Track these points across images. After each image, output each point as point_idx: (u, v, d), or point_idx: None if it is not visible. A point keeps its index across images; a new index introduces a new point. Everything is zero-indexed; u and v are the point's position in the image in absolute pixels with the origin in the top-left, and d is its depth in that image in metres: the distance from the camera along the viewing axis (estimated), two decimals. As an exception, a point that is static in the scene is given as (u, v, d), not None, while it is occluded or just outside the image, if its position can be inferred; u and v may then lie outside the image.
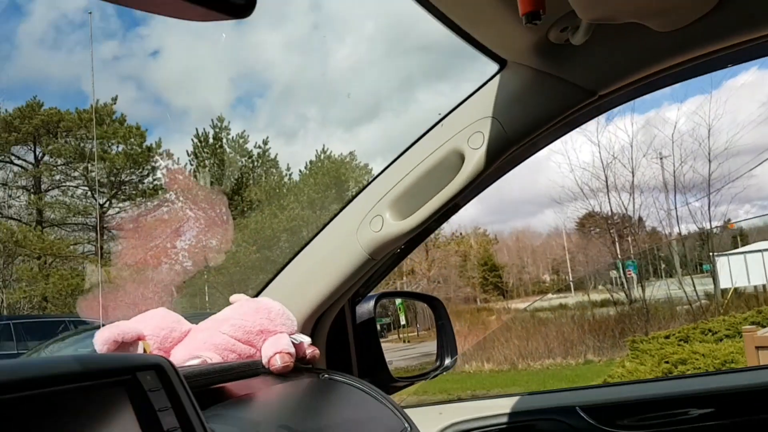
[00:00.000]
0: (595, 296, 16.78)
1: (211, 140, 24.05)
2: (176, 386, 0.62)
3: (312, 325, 1.43)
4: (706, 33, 1.07)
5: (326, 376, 1.28)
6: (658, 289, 14.65)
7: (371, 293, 1.61)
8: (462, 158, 1.25)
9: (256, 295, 1.40)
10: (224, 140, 24.22)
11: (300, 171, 25.20)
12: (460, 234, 31.91)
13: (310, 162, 24.59)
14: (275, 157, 25.09)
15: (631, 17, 0.99)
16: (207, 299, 21.47)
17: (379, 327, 2.18)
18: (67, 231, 23.67)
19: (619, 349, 10.06)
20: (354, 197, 1.37)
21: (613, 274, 17.48)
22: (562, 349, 11.96)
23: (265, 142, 24.84)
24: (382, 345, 2.12)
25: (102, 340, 1.14)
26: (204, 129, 24.71)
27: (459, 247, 31.30)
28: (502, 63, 1.21)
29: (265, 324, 1.24)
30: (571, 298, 18.59)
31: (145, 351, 1.17)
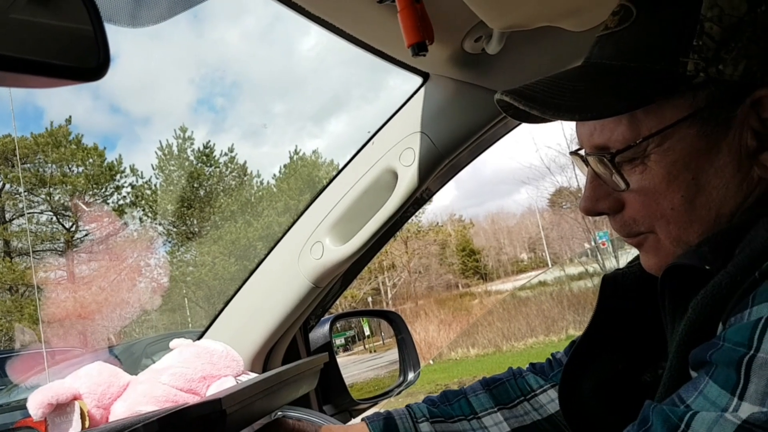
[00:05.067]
0: (572, 270, 16.96)
1: (175, 151, 23.62)
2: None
3: (263, 359, 1.38)
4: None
5: (279, 413, 1.24)
6: (631, 256, 14.83)
7: (325, 317, 1.57)
8: (396, 176, 1.22)
9: (200, 338, 1.35)
10: (189, 151, 23.85)
11: (274, 175, 24.98)
12: (437, 223, 32.00)
13: (284, 166, 24.39)
14: (244, 163, 24.81)
15: (543, 21, 0.96)
16: (188, 313, 21.21)
17: (343, 340, 2.14)
18: (36, 259, 23.10)
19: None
20: (291, 226, 1.33)
21: (587, 246, 17.71)
22: (544, 326, 12.08)
23: (231, 149, 24.52)
24: (349, 358, 2.08)
25: (36, 404, 1.08)
26: (167, 140, 24.32)
27: (437, 236, 31.39)
28: (424, 76, 1.17)
29: (207, 369, 1.18)
30: (550, 274, 18.78)
31: (81, 411, 1.12)
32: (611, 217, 0.72)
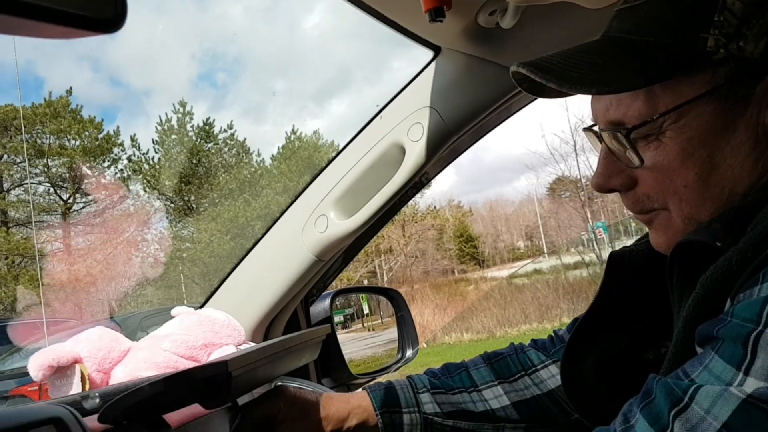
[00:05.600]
0: (568, 259, 17.02)
1: (175, 126, 23.47)
2: (80, 440, 0.57)
3: (264, 331, 1.39)
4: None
5: (277, 383, 1.24)
6: (628, 248, 14.88)
7: (326, 291, 1.57)
8: (403, 151, 1.21)
9: (201, 307, 1.35)
10: (188, 126, 23.71)
11: (272, 155, 24.88)
12: (435, 208, 31.99)
13: (282, 147, 24.28)
14: (244, 140, 24.69)
15: (560, -3, 0.94)
16: (184, 289, 21.26)
17: (342, 318, 2.15)
18: (34, 229, 23.05)
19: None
20: (296, 198, 1.32)
21: (584, 236, 17.76)
22: (538, 313, 12.15)
23: (230, 126, 24.39)
24: (347, 335, 2.09)
25: (36, 366, 1.08)
26: (166, 114, 24.15)
27: (435, 221, 31.40)
28: (436, 50, 1.15)
29: (209, 337, 1.19)
30: (546, 263, 18.84)
31: (82, 374, 1.12)
32: (623, 194, 0.71)
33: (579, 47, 0.69)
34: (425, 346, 11.46)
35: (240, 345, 1.22)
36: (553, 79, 0.64)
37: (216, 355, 1.17)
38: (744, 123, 0.61)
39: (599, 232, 16.39)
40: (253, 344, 1.22)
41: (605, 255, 14.45)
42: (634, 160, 0.66)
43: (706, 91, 0.61)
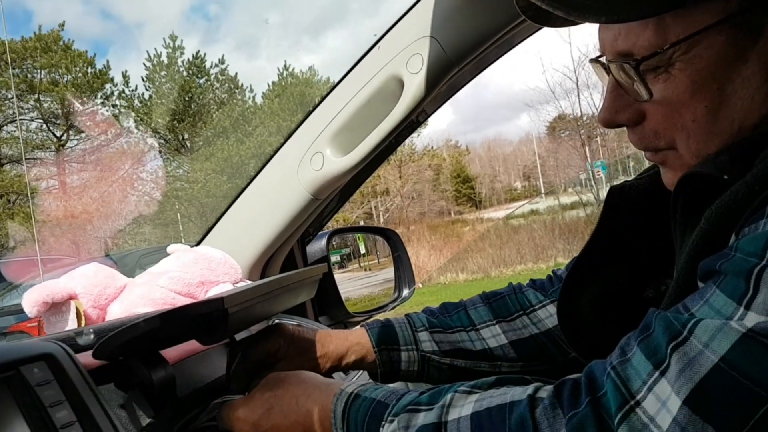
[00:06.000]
0: (565, 199, 17.07)
1: (165, 61, 22.89)
2: (71, 375, 0.56)
3: (260, 269, 1.38)
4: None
5: (275, 321, 1.25)
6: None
7: (323, 231, 1.56)
8: (401, 84, 1.16)
9: (197, 245, 1.33)
10: (179, 61, 23.14)
11: (263, 93, 24.43)
12: (432, 148, 31.77)
13: (273, 83, 23.79)
14: (235, 75, 24.16)
15: None
16: (181, 228, 21.36)
17: (339, 258, 2.14)
18: (28, 166, 22.86)
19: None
20: (291, 134, 1.28)
21: (582, 176, 17.75)
22: (533, 254, 12.29)
23: (222, 60, 23.80)
24: (344, 275, 2.09)
25: (31, 302, 1.08)
26: (156, 49, 23.56)
27: (432, 161, 31.26)
28: (438, -25, 1.09)
29: (205, 274, 1.18)
30: (542, 204, 18.91)
31: (77, 311, 1.12)
32: (630, 130, 0.69)
33: None
34: (420, 286, 11.65)
35: (237, 283, 1.21)
36: (561, 6, 0.60)
37: (213, 293, 1.17)
38: (756, 54, 0.59)
39: (598, 172, 16.37)
40: (250, 282, 1.21)
41: (603, 195, 14.50)
42: (643, 94, 0.64)
43: (719, 20, 0.58)
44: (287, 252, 1.43)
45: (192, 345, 0.92)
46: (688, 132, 0.63)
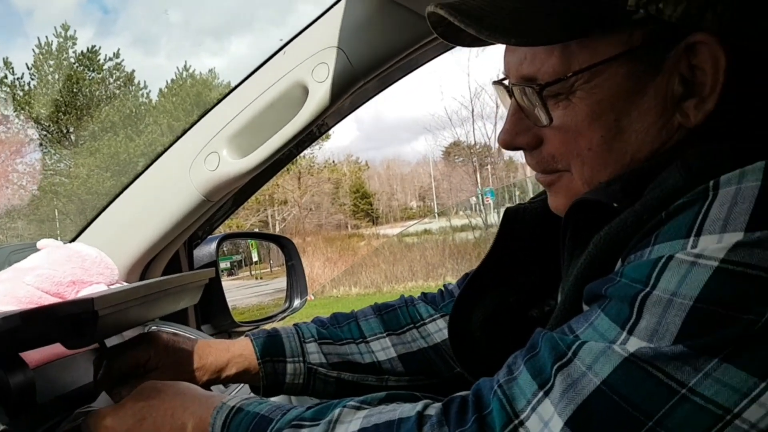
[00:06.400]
0: (456, 222, 17.66)
1: (54, 51, 21.28)
2: None
3: (140, 272, 1.29)
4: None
5: (153, 327, 1.17)
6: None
7: (213, 235, 1.50)
8: (306, 91, 1.15)
9: (72, 241, 1.23)
10: (71, 51, 21.60)
11: (160, 90, 23.30)
12: (333, 162, 31.77)
13: (171, 81, 22.78)
14: (131, 72, 22.91)
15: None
16: (58, 225, 19.80)
17: (229, 264, 2.07)
18: None
19: (476, 271, 10.79)
20: (186, 131, 1.22)
21: (473, 200, 18.49)
22: (425, 272, 12.59)
23: (117, 54, 22.49)
24: (233, 283, 2.02)
25: None
26: (47, 37, 21.84)
27: (332, 175, 31.23)
28: (347, -13, 1.09)
29: (77, 273, 1.09)
30: (436, 224, 19.44)
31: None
32: (528, 153, 0.71)
33: None
34: (313, 297, 11.54)
35: (112, 284, 1.13)
36: (472, 24, 0.61)
37: (84, 293, 1.08)
38: (654, 89, 0.61)
39: (487, 198, 17.11)
40: (126, 284, 1.13)
41: (491, 220, 15.16)
42: (543, 119, 0.65)
43: (622, 52, 0.60)
44: (172, 255, 1.36)
45: (57, 348, 0.84)
46: (583, 159, 0.65)
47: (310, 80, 1.13)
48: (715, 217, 0.49)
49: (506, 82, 0.71)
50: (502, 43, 0.64)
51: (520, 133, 0.69)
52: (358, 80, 1.13)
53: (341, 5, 1.11)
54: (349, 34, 1.11)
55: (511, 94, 0.70)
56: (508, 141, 0.71)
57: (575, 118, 0.64)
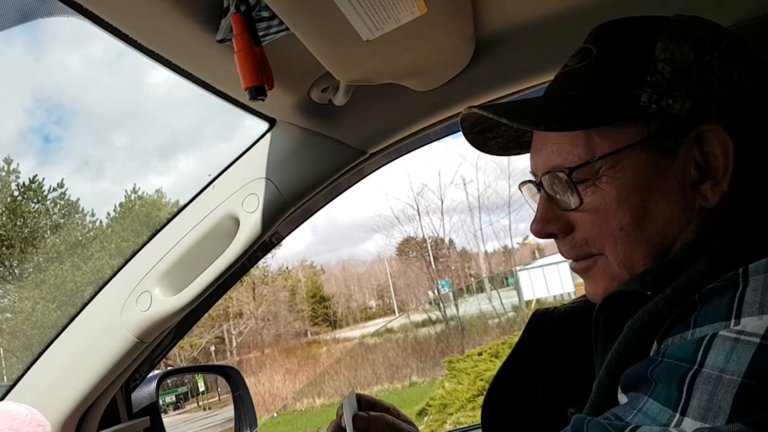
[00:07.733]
0: (416, 317, 17.52)
1: (-3, 186, 20.91)
2: None
3: (75, 424, 1.22)
4: (462, 91, 1.11)
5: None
6: (471, 305, 15.74)
7: (152, 374, 1.43)
8: (237, 223, 1.16)
9: (2, 398, 1.16)
10: (14, 185, 21.28)
11: (108, 213, 23.01)
12: (287, 269, 31.48)
13: (120, 204, 22.57)
14: (77, 200, 22.63)
15: (388, 79, 0.98)
16: (3, 365, 18.55)
17: (174, 398, 1.97)
18: None
19: (441, 368, 10.56)
20: (116, 272, 1.20)
21: (431, 294, 18.48)
22: (389, 373, 12.24)
23: (61, 185, 22.28)
24: (180, 417, 1.91)
25: None
26: (-13, 171, 21.51)
27: (287, 282, 30.81)
28: (271, 122, 1.14)
29: (4, 438, 1.01)
30: (396, 322, 19.22)
31: None
32: (560, 240, 0.74)
33: (523, 99, 0.76)
34: (276, 415, 10.99)
35: (42, 445, 1.05)
36: (505, 115, 0.68)
37: (10, 461, 1.00)
38: (673, 172, 0.67)
39: (444, 291, 17.14)
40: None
41: (450, 312, 15.08)
42: (573, 202, 0.70)
43: (640, 140, 0.67)
44: (108, 401, 1.29)
45: None
46: (616, 240, 0.68)
47: (241, 211, 1.15)
48: (751, 300, 0.52)
49: (532, 180, 0.77)
50: (532, 129, 0.71)
51: (551, 220, 0.73)
52: (289, 207, 1.16)
53: (267, 139, 1.15)
54: (277, 165, 1.15)
55: (539, 187, 0.74)
56: (541, 229, 0.74)
57: (604, 201, 0.68)
